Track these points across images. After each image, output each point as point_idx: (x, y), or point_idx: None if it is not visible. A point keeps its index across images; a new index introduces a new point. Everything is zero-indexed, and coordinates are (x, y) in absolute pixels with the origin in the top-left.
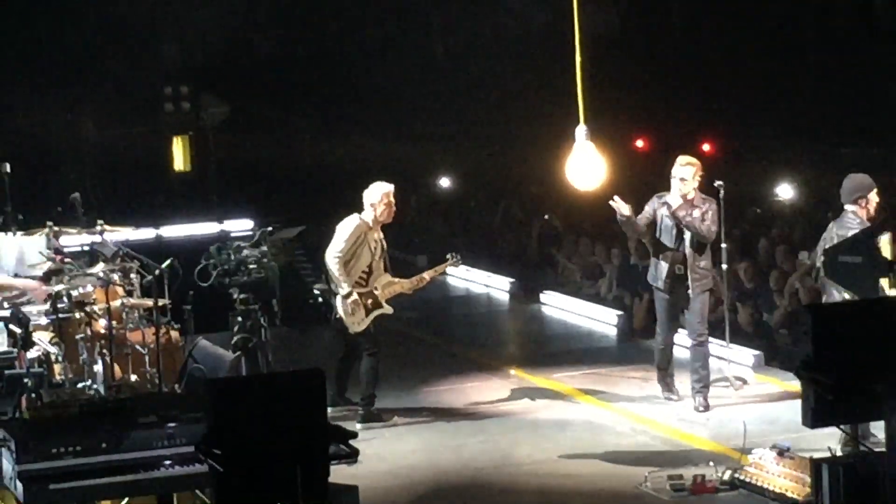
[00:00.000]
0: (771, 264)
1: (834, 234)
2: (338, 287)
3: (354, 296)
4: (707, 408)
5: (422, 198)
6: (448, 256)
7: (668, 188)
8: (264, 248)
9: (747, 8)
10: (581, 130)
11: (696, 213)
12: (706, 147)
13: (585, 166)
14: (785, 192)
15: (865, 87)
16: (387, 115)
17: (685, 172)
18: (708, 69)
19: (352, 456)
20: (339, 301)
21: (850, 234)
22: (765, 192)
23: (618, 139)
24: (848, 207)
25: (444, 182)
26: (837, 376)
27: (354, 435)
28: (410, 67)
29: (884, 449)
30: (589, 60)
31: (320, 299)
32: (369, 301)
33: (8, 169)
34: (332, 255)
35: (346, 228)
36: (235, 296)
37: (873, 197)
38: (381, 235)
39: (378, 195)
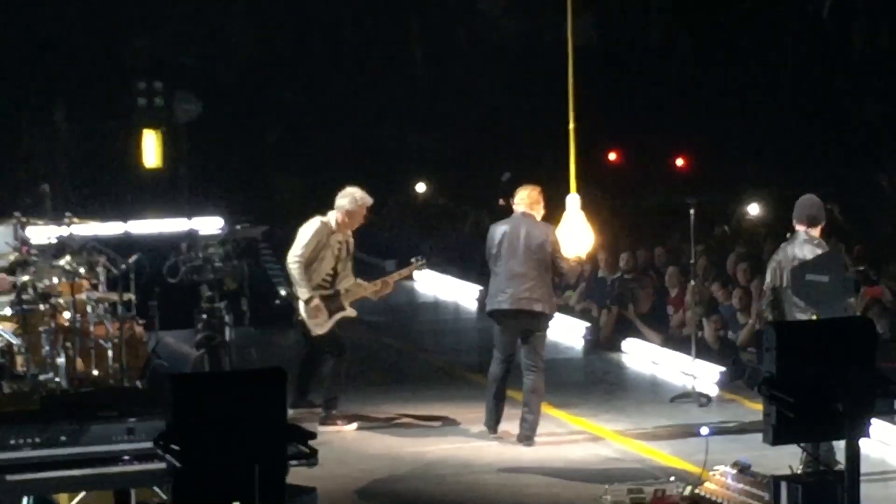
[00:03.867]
0: (735, 282)
1: (788, 253)
2: (298, 291)
3: (316, 300)
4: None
5: (398, 200)
6: (413, 260)
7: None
8: (230, 247)
9: (724, 25)
10: (572, 199)
11: None
12: (679, 162)
13: (576, 235)
14: (753, 209)
15: (837, 109)
16: (362, 118)
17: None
18: (683, 84)
19: (310, 456)
20: (301, 304)
21: (808, 253)
22: (734, 209)
23: (591, 152)
24: (799, 228)
25: (420, 187)
26: (799, 395)
27: (314, 435)
28: (389, 72)
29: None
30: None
31: (283, 301)
32: (332, 304)
33: None
34: (293, 258)
35: (306, 231)
36: (203, 294)
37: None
38: (349, 237)
39: (354, 205)
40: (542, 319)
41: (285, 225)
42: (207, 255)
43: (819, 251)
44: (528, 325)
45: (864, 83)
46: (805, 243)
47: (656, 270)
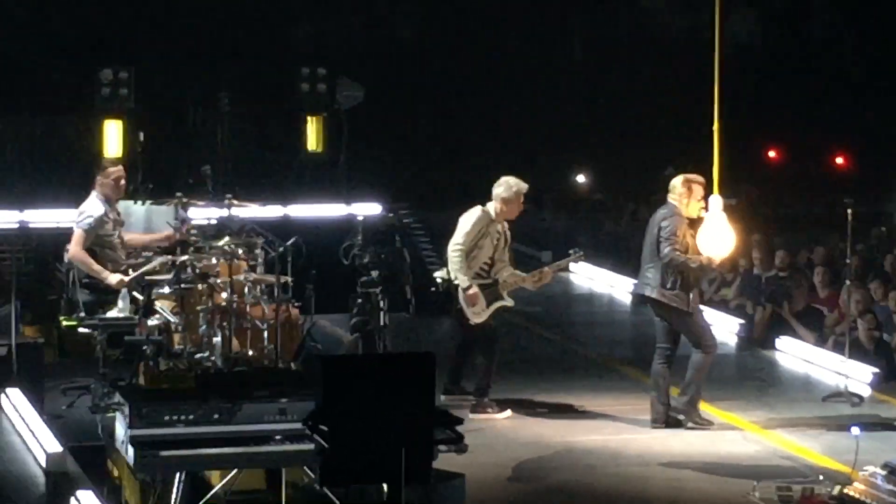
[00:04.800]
0: (893, 283)
1: None
2: (457, 278)
3: (474, 288)
4: None
5: (555, 195)
6: (570, 252)
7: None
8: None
9: (889, 18)
10: (716, 200)
11: None
12: (839, 160)
13: (717, 237)
14: None
15: None
16: (524, 111)
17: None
18: (847, 81)
19: (457, 442)
20: (459, 291)
21: None
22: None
23: (750, 149)
24: None
25: (580, 178)
26: None
27: (461, 421)
28: (548, 66)
29: None
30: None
31: (441, 288)
32: (491, 293)
33: (141, 138)
34: (454, 246)
35: (468, 220)
36: (366, 278)
37: None
38: (506, 227)
39: (510, 192)
40: (660, 306)
41: (442, 212)
42: (368, 239)
43: None
44: (657, 311)
45: None
46: None
47: (812, 269)
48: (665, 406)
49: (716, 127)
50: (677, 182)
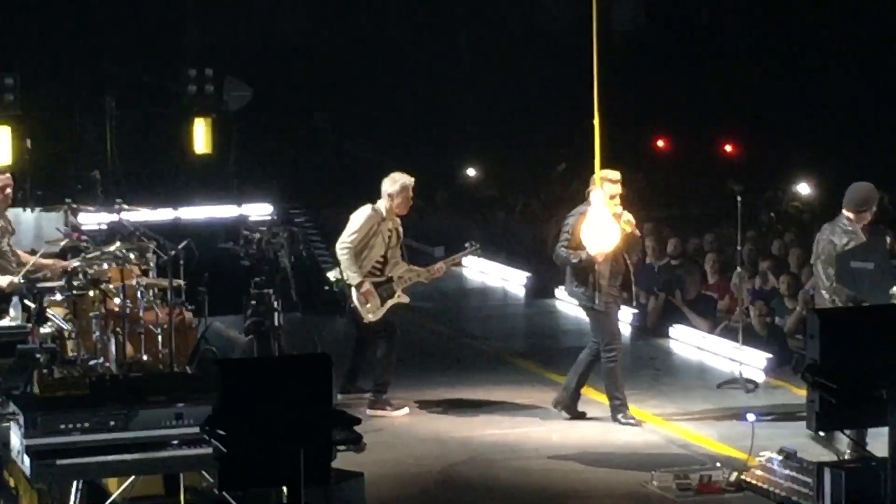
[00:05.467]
0: (782, 269)
1: (826, 237)
2: (348, 277)
3: (367, 286)
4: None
5: (449, 190)
6: (466, 245)
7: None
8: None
9: (775, 6)
10: (596, 194)
11: None
12: (728, 148)
13: (600, 231)
14: (801, 196)
15: (890, 91)
16: (413, 106)
17: None
18: (732, 68)
19: (356, 441)
20: (353, 290)
21: (845, 240)
22: (782, 194)
23: (638, 139)
24: (846, 213)
25: (471, 172)
26: (842, 381)
27: (359, 421)
28: (436, 60)
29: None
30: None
31: (335, 287)
32: (385, 290)
33: (29, 145)
34: (342, 245)
35: (357, 219)
36: (258, 279)
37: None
38: (398, 224)
39: (397, 187)
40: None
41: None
42: (256, 240)
43: (852, 241)
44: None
45: None
46: (842, 230)
47: (704, 257)
48: (569, 393)
49: (596, 121)
50: (593, 178)
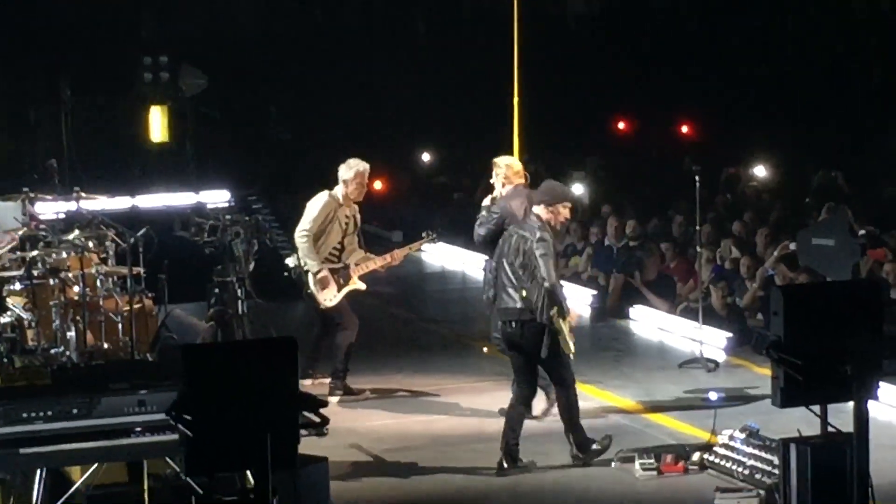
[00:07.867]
0: (743, 249)
1: (514, 231)
2: (306, 263)
3: (324, 272)
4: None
5: (409, 175)
6: (423, 234)
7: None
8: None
9: None
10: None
11: None
12: (685, 129)
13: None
14: (760, 171)
15: (841, 72)
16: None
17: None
18: (687, 50)
19: (322, 425)
20: (310, 277)
21: (532, 234)
22: (740, 175)
23: (598, 121)
24: (535, 209)
25: (426, 157)
26: (807, 357)
27: (325, 404)
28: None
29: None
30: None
31: (293, 274)
32: (341, 276)
33: None
34: (300, 233)
35: (314, 206)
36: (220, 266)
37: (563, 210)
38: (356, 211)
39: (352, 173)
40: None
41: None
42: (209, 227)
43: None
44: None
45: (865, 45)
46: (531, 224)
47: (664, 238)
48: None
49: (516, 101)
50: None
